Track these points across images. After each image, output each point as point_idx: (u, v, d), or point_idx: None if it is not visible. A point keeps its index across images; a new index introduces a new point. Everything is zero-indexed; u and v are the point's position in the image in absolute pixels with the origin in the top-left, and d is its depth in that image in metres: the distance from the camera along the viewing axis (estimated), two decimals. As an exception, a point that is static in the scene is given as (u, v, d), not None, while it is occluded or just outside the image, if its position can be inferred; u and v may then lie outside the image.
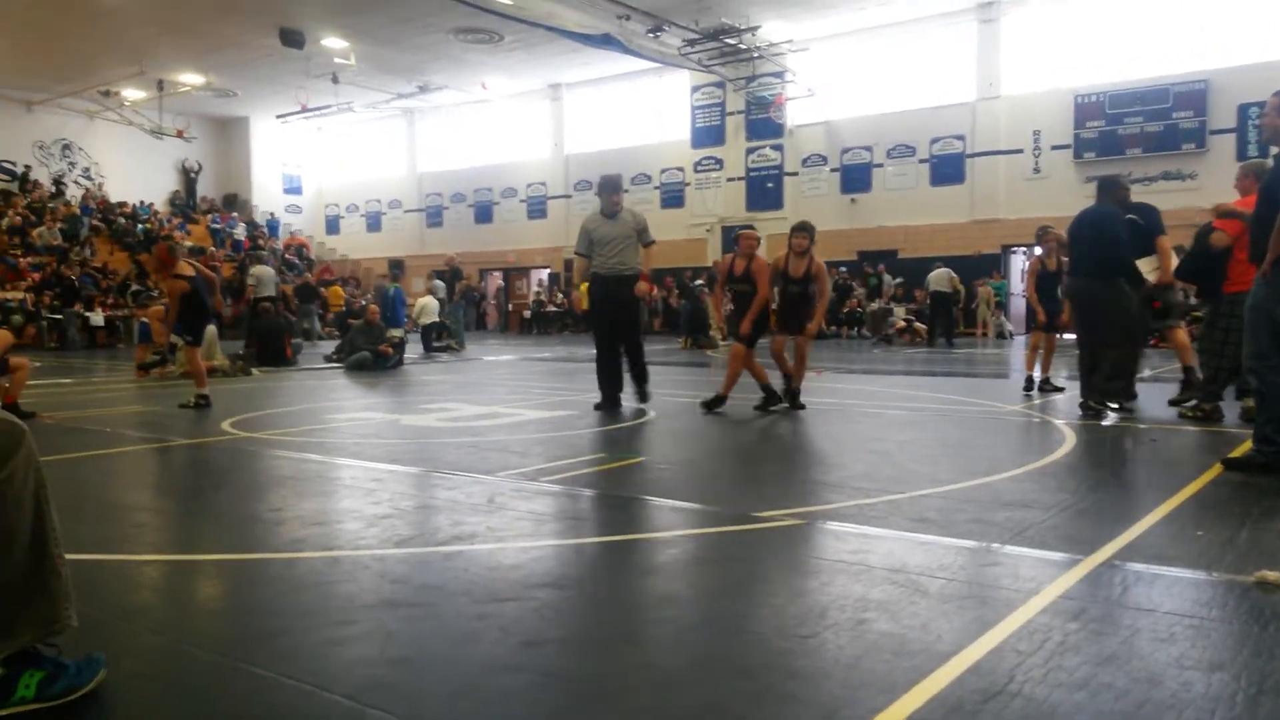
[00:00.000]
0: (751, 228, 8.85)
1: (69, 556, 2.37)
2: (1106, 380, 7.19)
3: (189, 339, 9.03)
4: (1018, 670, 2.40)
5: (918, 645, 2.60)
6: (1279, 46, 18.65)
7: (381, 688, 2.35)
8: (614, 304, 8.16)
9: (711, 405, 7.84)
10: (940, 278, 19.02)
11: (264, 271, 16.55)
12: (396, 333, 14.77)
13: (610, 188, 8.36)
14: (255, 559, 3.63)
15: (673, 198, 27.47)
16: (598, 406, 8.10)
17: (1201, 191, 17.04)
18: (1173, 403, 7.27)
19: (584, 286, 8.49)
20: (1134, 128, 20.33)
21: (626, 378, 8.36)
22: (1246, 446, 5.10)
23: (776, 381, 8.22)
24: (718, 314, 8.98)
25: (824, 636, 2.72)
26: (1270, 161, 5.67)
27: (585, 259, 8.30)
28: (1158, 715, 2.17)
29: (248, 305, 16.18)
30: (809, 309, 7.93)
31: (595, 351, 8.40)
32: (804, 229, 7.87)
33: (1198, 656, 2.54)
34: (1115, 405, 7.24)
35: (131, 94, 28.25)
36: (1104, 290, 7.08)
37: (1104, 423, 7.00)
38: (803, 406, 7.87)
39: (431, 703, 2.29)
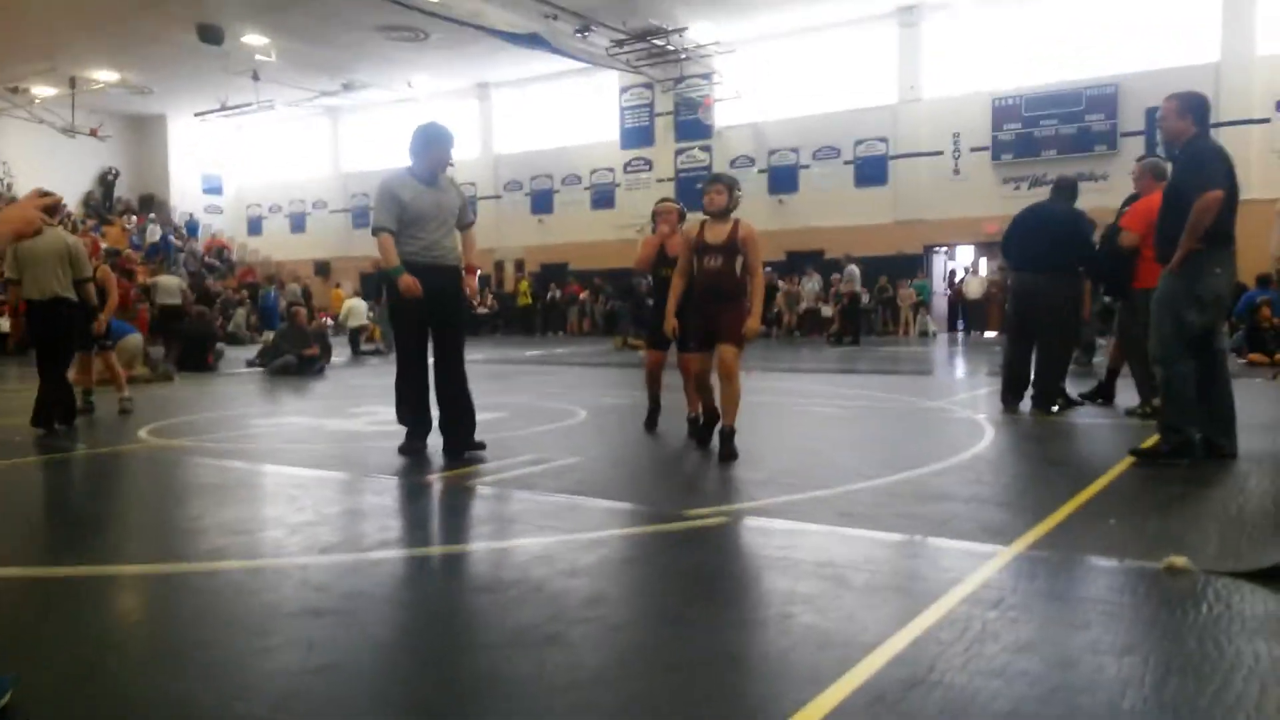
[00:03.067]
0: (670, 200, 7.03)
1: None
2: (1042, 384, 7.29)
3: (96, 345, 8.66)
4: (939, 659, 2.46)
5: (843, 637, 2.64)
6: (1184, 53, 19.40)
7: (303, 698, 2.30)
8: (431, 301, 5.61)
9: (705, 431, 6.01)
10: (853, 276, 19.34)
11: (168, 281, 16.38)
12: (267, 335, 14.63)
13: (437, 141, 5.76)
14: (174, 570, 3.52)
15: (603, 198, 27.48)
16: (404, 450, 5.80)
17: (1113, 192, 17.55)
18: (1130, 412, 7.08)
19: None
20: (1049, 130, 20.97)
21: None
22: (1156, 439, 5.29)
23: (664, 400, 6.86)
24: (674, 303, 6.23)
25: (752, 631, 2.75)
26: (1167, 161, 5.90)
27: (392, 235, 5.62)
28: (1072, 699, 2.24)
29: (158, 313, 15.84)
30: (738, 296, 5.62)
31: (397, 370, 5.89)
32: (721, 181, 5.71)
33: (1110, 641, 2.62)
34: (1055, 408, 7.26)
35: (42, 91, 27.24)
36: (1052, 286, 7.22)
37: (1022, 417, 7.18)
38: (735, 455, 5.44)
39: (354, 712, 2.25)
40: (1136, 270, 6.55)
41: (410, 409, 5.84)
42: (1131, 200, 7.11)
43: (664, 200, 7.05)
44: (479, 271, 6.00)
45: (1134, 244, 6.50)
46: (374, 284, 19.34)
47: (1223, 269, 5.10)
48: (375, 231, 5.68)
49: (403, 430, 5.85)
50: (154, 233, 30.71)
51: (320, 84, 27.53)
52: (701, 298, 5.67)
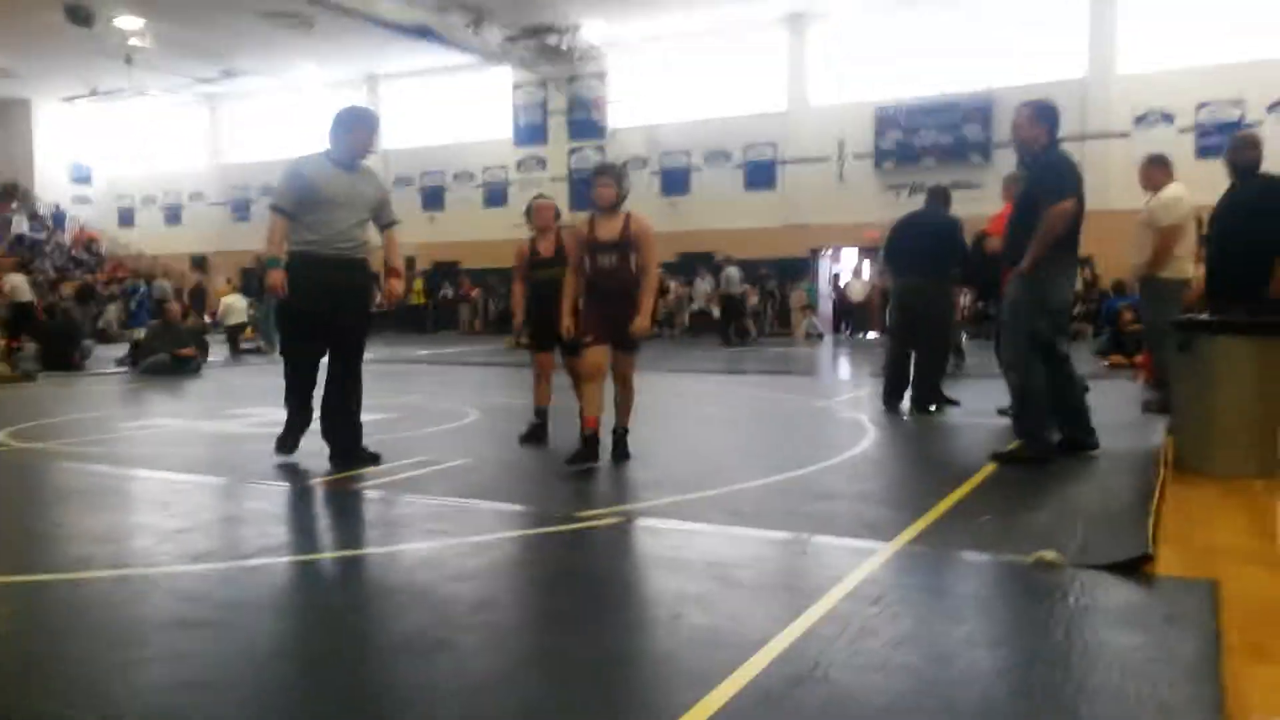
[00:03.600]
0: (545, 197, 6.64)
1: None
2: (921, 385, 7.53)
3: None
4: (822, 655, 2.51)
5: (730, 636, 2.68)
6: (1053, 68, 20.39)
7: (174, 714, 2.20)
8: (332, 298, 5.21)
9: (586, 454, 5.25)
10: (731, 278, 19.66)
11: (14, 279, 15.65)
12: (139, 333, 14.08)
13: (360, 123, 5.42)
14: (33, 580, 3.32)
15: (495, 196, 27.20)
16: (282, 446, 5.47)
17: (987, 201, 18.24)
18: (1001, 411, 7.07)
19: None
20: (928, 139, 21.73)
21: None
22: (1017, 444, 5.50)
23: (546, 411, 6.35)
24: (519, 313, 6.39)
25: (641, 632, 2.76)
26: None
27: (287, 219, 5.23)
28: (949, 691, 2.33)
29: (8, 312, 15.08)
30: (633, 294, 5.30)
31: (286, 377, 5.48)
32: (608, 172, 5.41)
33: (984, 634, 2.74)
34: (934, 408, 7.47)
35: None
36: (934, 292, 7.47)
37: (902, 417, 7.42)
38: (628, 455, 5.44)
39: (231, 725, 2.17)
40: (1004, 275, 6.82)
41: (297, 403, 5.47)
42: None
43: (539, 196, 6.67)
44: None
45: (998, 249, 6.76)
46: (255, 280, 18.64)
47: (1068, 277, 5.36)
48: (271, 209, 5.34)
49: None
50: (19, 224, 28.96)
51: (199, 70, 26.41)
52: (598, 297, 5.36)
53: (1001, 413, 7.23)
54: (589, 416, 5.26)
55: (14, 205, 29.90)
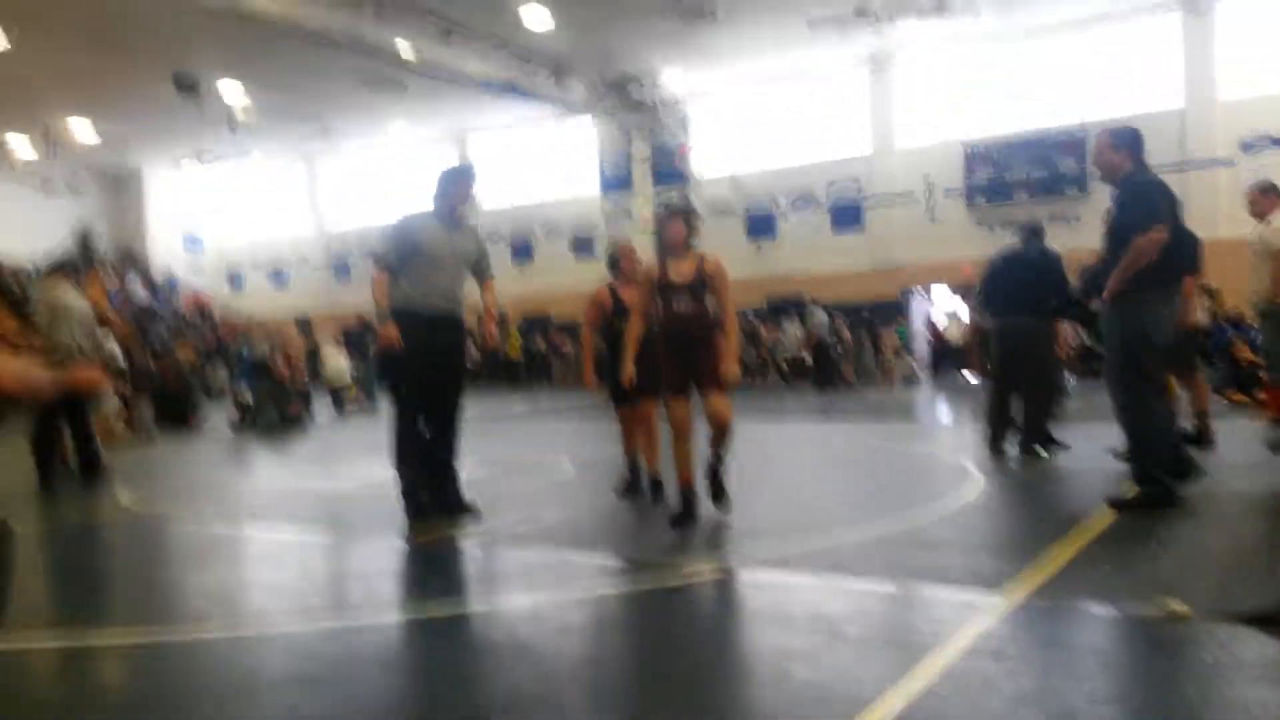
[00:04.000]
0: (630, 243, 6.53)
1: None
2: (1028, 428, 7.29)
3: None
4: (939, 714, 2.42)
5: (839, 693, 2.60)
6: (1150, 99, 19.83)
7: (292, 772, 2.24)
8: (433, 354, 5.25)
9: (686, 514, 5.09)
10: (821, 320, 19.41)
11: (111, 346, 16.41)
12: (246, 395, 14.42)
13: (459, 176, 5.53)
14: (151, 638, 3.43)
15: (584, 247, 27.61)
16: (414, 530, 5.16)
17: (1085, 232, 17.83)
18: (1116, 454, 6.97)
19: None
20: (1020, 174, 21.31)
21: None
22: (1135, 490, 5.24)
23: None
24: (589, 365, 6.26)
25: (748, 689, 2.71)
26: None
27: (391, 277, 5.27)
28: (1075, 753, 2.21)
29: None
30: (713, 337, 5.06)
31: (398, 437, 5.33)
32: (677, 212, 5.23)
33: (1109, 691, 2.60)
34: (1041, 452, 7.18)
35: (17, 147, 27.21)
36: (1037, 329, 7.25)
37: (1009, 462, 7.18)
38: (725, 494, 5.20)
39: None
40: None
41: (415, 472, 5.31)
42: None
43: (624, 244, 6.50)
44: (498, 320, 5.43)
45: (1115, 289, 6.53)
46: (357, 338, 19.25)
47: (1170, 308, 5.11)
48: (376, 266, 5.34)
49: (391, 489, 5.60)
50: (135, 292, 30.55)
51: (298, 134, 27.61)
52: (676, 344, 5.08)
53: (1116, 455, 6.95)
54: (684, 475, 5.08)
55: (131, 272, 31.60)
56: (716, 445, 5.14)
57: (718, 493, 5.16)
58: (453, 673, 2.95)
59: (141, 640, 3.40)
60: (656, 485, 5.92)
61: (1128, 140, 5.15)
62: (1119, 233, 5.06)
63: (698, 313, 5.05)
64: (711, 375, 5.00)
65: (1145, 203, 4.98)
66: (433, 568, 4.59)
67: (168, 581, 4.38)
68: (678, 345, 5.08)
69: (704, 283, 5.06)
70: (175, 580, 4.37)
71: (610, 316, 5.98)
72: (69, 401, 7.24)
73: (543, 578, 4.07)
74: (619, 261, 6.13)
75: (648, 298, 5.18)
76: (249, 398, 14.15)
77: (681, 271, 5.07)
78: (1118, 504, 5.06)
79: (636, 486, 6.08)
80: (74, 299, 7.64)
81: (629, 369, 5.19)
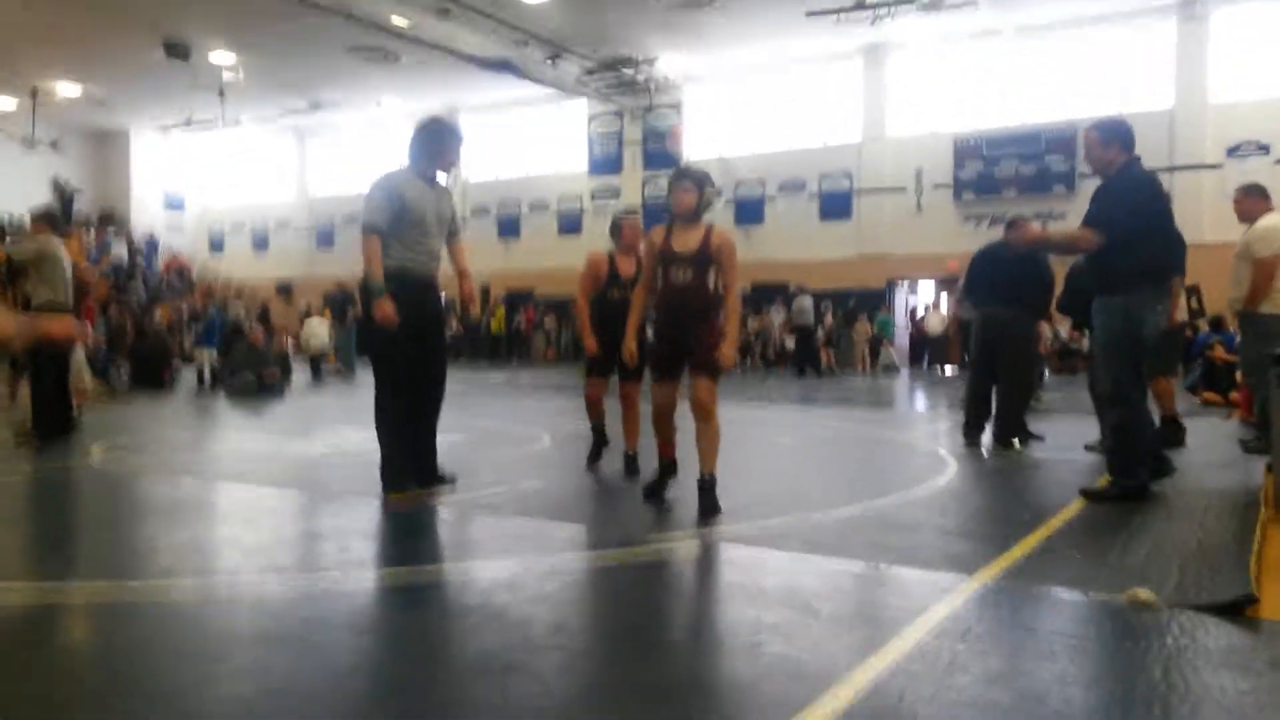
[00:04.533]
0: (633, 213, 6.25)
1: None
2: (1004, 418, 7.33)
3: None
4: (908, 690, 2.43)
5: (812, 667, 2.61)
6: (1140, 99, 19.91)
7: (258, 723, 2.23)
8: (423, 319, 5.12)
9: (658, 483, 5.05)
10: (803, 308, 19.42)
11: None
12: (205, 354, 14.40)
13: (450, 138, 5.32)
14: (122, 592, 3.41)
15: (570, 225, 27.50)
16: (391, 495, 5.02)
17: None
18: (1089, 447, 7.06)
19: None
20: (1009, 170, 21.36)
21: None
22: (1106, 479, 5.30)
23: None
24: (588, 335, 5.87)
25: (719, 659, 2.71)
26: None
27: (380, 239, 4.98)
28: (1041, 731, 2.23)
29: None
30: (709, 315, 4.71)
31: (381, 404, 5.13)
32: (689, 177, 4.82)
33: (1077, 673, 2.62)
34: (1017, 443, 7.25)
35: (2, 101, 26.78)
36: (1017, 322, 7.29)
37: (984, 451, 7.23)
38: (718, 509, 4.61)
39: (312, 737, 2.18)
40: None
41: (394, 439, 5.09)
42: None
43: (628, 213, 6.35)
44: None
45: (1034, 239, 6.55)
46: (338, 305, 19.10)
47: (1163, 306, 5.15)
48: (365, 231, 4.96)
49: (368, 455, 5.52)
50: (119, 255, 30.15)
51: (288, 102, 27.34)
52: (667, 316, 4.80)
53: (1089, 449, 7.02)
54: (664, 447, 5.01)
55: (111, 230, 31.21)
56: (707, 448, 4.71)
57: (709, 507, 4.63)
58: (425, 636, 2.94)
59: (109, 597, 3.37)
60: (631, 461, 5.90)
61: (1117, 134, 5.10)
62: (1104, 225, 5.05)
63: (697, 285, 4.69)
64: (703, 358, 4.64)
65: (1108, 206, 4.96)
66: (408, 533, 4.57)
67: (137, 537, 4.34)
68: (672, 320, 4.78)
69: (708, 256, 4.70)
70: (145, 536, 4.33)
71: (604, 286, 5.88)
72: (45, 353, 7.16)
73: (517, 546, 4.06)
74: (620, 229, 5.99)
75: (652, 267, 4.87)
76: (213, 359, 14.12)
77: (686, 242, 4.73)
78: (1091, 495, 5.12)
79: (599, 454, 6.11)
80: (61, 250, 7.56)
81: (630, 346, 5.04)
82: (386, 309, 4.83)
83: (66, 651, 2.90)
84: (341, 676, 2.59)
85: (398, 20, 18.92)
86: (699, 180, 4.79)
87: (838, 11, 18.76)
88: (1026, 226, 5.81)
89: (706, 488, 4.66)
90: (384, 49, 22.29)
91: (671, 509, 4.93)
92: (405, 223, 5.01)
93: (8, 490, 5.80)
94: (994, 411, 7.45)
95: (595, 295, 5.93)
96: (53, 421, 7.38)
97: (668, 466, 5.04)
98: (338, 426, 8.83)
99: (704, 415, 4.69)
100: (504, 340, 26.97)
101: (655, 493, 4.99)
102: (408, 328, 4.95)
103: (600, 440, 6.15)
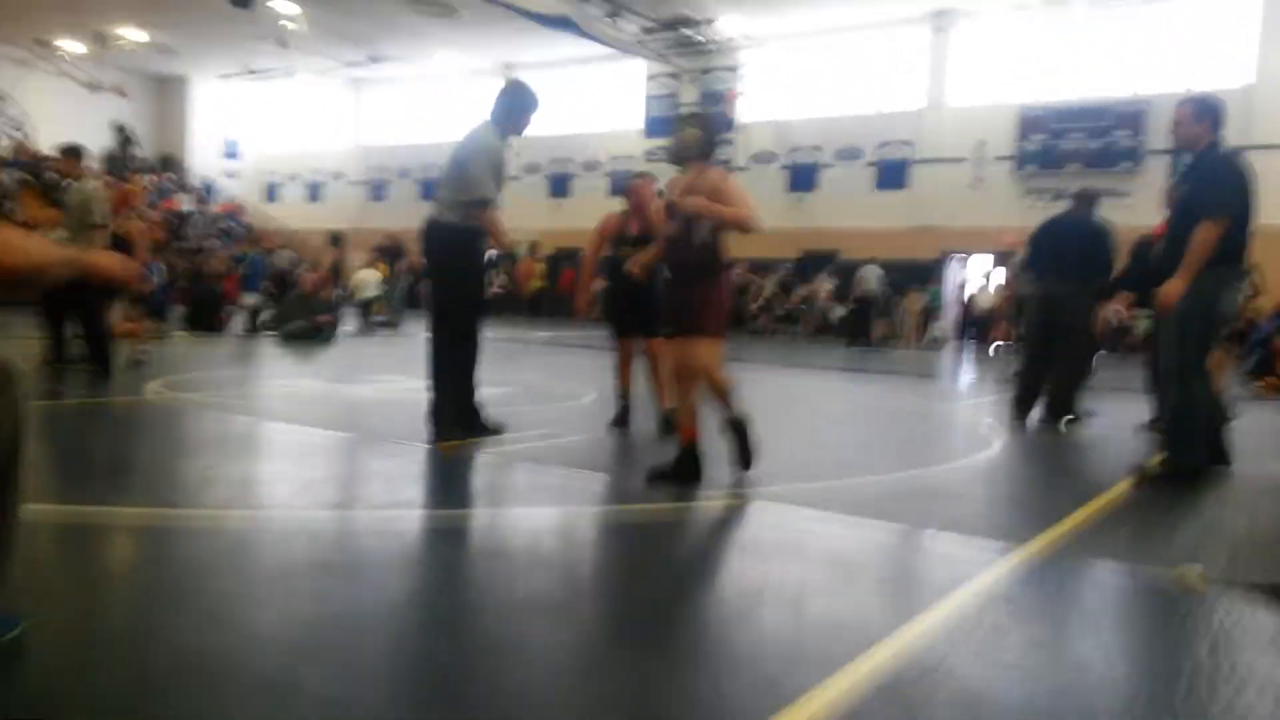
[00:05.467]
0: (648, 176, 6.32)
1: None
2: (1057, 395, 7.22)
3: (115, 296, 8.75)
4: (951, 652, 2.44)
5: (854, 625, 2.63)
6: (1218, 74, 19.27)
7: (314, 644, 2.30)
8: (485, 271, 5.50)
9: (679, 470, 4.38)
10: (870, 277, 19.15)
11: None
12: (250, 299, 14.70)
13: (533, 106, 5.45)
14: (182, 517, 3.52)
15: (621, 185, 27.37)
16: (440, 439, 5.07)
17: (1136, 209, 17.49)
18: (1141, 427, 6.83)
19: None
20: (1075, 144, 20.84)
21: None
22: (1159, 459, 5.21)
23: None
24: (583, 290, 6.31)
25: (761, 615, 2.73)
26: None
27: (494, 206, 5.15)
28: (1086, 697, 2.23)
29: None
30: (697, 274, 4.33)
31: (450, 356, 5.23)
32: (689, 120, 4.54)
33: (1122, 645, 2.61)
34: (1068, 420, 7.13)
35: (68, 46, 27.23)
36: (1078, 298, 7.14)
37: (1033, 427, 7.14)
38: (751, 453, 4.43)
39: (367, 659, 2.24)
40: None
41: (459, 392, 5.22)
42: None
43: (639, 175, 6.38)
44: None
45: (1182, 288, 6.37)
46: (389, 256, 19.29)
47: (1236, 289, 5.03)
48: (483, 205, 5.05)
49: (417, 402, 5.62)
50: (182, 200, 30.67)
51: (346, 54, 27.45)
52: (669, 272, 4.57)
53: (1142, 428, 6.90)
54: (684, 426, 4.41)
55: (170, 175, 31.74)
56: (721, 400, 4.41)
57: (742, 455, 4.42)
58: (474, 575, 3.01)
59: (168, 522, 3.47)
60: (668, 421, 5.67)
61: (1210, 110, 5.00)
62: (1188, 209, 4.94)
63: (680, 239, 4.35)
64: (690, 320, 4.30)
65: (1215, 189, 4.85)
66: (456, 478, 4.65)
67: (194, 469, 4.46)
68: (669, 277, 4.56)
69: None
70: (201, 467, 4.44)
71: (615, 244, 5.89)
72: (84, 286, 7.32)
73: (562, 496, 4.11)
74: (628, 191, 6.03)
75: (666, 223, 4.57)
76: (256, 303, 14.46)
77: (679, 190, 4.39)
78: (1144, 473, 5.04)
79: (625, 420, 5.96)
80: (97, 184, 7.69)
81: (580, 297, 5.65)
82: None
83: (122, 568, 3.01)
84: (396, 606, 2.66)
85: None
86: (700, 122, 4.48)
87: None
88: (1164, 301, 5.41)
89: (738, 428, 4.38)
90: (443, 2, 22.26)
91: (714, 468, 4.94)
92: (497, 182, 5.18)
93: (69, 421, 5.98)
94: (1047, 387, 7.34)
95: (606, 258, 5.96)
96: (94, 359, 7.51)
97: (682, 454, 4.36)
98: (386, 373, 8.95)
99: (706, 379, 4.34)
100: (546, 298, 27.04)
101: (660, 476, 4.34)
102: (478, 280, 5.19)
103: (625, 408, 5.99)
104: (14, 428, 2.11)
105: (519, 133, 5.41)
